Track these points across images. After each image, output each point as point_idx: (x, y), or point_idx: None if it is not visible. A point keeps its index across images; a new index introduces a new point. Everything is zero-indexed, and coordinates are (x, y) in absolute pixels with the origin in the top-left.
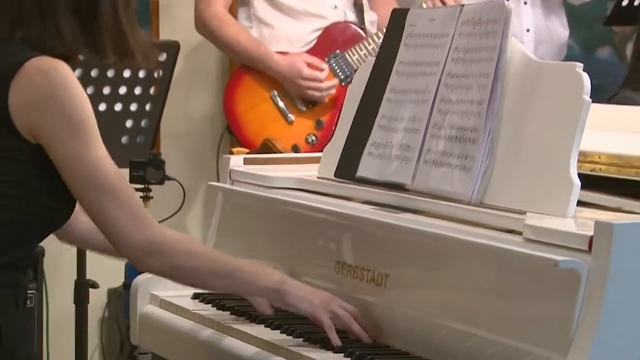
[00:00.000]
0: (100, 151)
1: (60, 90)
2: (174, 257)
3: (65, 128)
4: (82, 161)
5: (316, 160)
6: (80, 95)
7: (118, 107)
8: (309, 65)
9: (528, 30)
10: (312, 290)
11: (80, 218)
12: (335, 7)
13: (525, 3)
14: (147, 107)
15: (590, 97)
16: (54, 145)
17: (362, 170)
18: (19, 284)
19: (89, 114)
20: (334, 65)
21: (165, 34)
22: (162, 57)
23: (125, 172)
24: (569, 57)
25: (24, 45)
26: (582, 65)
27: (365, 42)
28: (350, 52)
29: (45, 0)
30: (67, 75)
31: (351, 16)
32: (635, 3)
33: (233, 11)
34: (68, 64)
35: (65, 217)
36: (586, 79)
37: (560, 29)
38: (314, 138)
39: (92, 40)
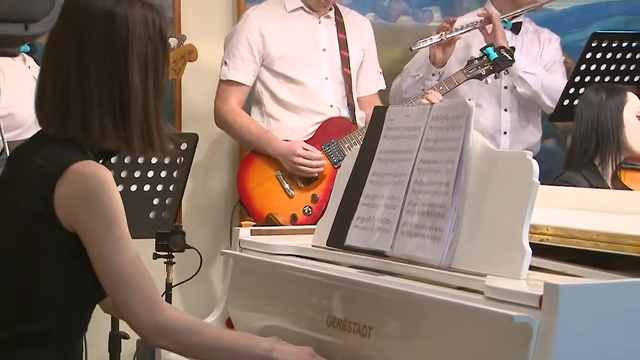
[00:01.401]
0: (126, 247)
1: (98, 192)
2: (179, 336)
3: (99, 224)
4: (110, 255)
5: (311, 231)
6: (115, 197)
7: (147, 187)
8: (304, 148)
9: (505, 133)
10: (297, 351)
11: None
12: (331, 105)
13: (505, 110)
14: (171, 187)
15: (539, 180)
16: (87, 237)
17: (350, 240)
18: (73, 348)
19: (121, 214)
20: (328, 151)
21: (186, 126)
22: (184, 146)
23: (152, 242)
24: None
25: (70, 146)
26: (532, 153)
27: (355, 134)
28: (342, 141)
29: (88, 98)
30: (106, 180)
31: (345, 113)
32: (575, 103)
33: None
34: (111, 158)
35: (96, 296)
36: (535, 165)
37: (534, 133)
38: (309, 209)
39: (124, 134)
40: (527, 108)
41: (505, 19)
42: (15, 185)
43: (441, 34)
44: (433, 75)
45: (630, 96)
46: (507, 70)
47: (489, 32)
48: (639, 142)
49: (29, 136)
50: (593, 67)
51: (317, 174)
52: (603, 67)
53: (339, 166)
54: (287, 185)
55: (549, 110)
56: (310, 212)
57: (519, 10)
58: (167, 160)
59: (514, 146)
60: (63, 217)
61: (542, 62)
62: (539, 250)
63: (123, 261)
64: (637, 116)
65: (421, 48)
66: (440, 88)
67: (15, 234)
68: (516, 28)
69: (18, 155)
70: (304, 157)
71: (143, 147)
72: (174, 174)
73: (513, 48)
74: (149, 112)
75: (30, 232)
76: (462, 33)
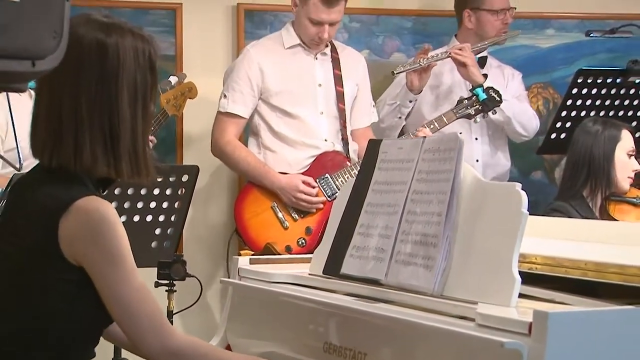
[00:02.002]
0: (133, 278)
1: (102, 228)
2: (187, 358)
3: (104, 259)
4: (117, 287)
5: (307, 260)
6: (119, 231)
7: (149, 218)
8: (304, 182)
9: (477, 161)
10: None
11: None
12: (326, 139)
13: (477, 139)
14: (173, 218)
15: (527, 210)
16: (94, 272)
17: (345, 268)
18: None
19: (125, 246)
20: (323, 184)
21: (188, 159)
22: (185, 177)
23: (154, 270)
24: (510, 179)
25: (73, 182)
26: (520, 185)
27: (348, 168)
28: (336, 175)
29: (80, 125)
30: (109, 214)
31: (338, 147)
32: (561, 137)
33: (242, 140)
34: (109, 186)
35: (106, 323)
36: (524, 196)
37: (503, 161)
38: (303, 241)
39: (113, 160)
40: (496, 136)
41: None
42: (19, 223)
43: (418, 60)
44: (410, 102)
45: (625, 134)
46: (495, 111)
47: (461, 64)
48: (626, 180)
49: None
50: (579, 102)
51: (314, 209)
52: (589, 102)
53: (333, 199)
54: (282, 217)
55: (519, 137)
56: (304, 244)
57: (482, 44)
58: (168, 192)
59: (486, 173)
60: (68, 252)
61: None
62: (528, 278)
63: (130, 292)
64: (628, 154)
65: (401, 72)
66: (432, 127)
67: (23, 272)
68: (481, 62)
69: (20, 191)
70: (305, 193)
71: (131, 173)
72: (176, 205)
73: (485, 75)
74: (137, 138)
75: (37, 269)
76: (437, 60)
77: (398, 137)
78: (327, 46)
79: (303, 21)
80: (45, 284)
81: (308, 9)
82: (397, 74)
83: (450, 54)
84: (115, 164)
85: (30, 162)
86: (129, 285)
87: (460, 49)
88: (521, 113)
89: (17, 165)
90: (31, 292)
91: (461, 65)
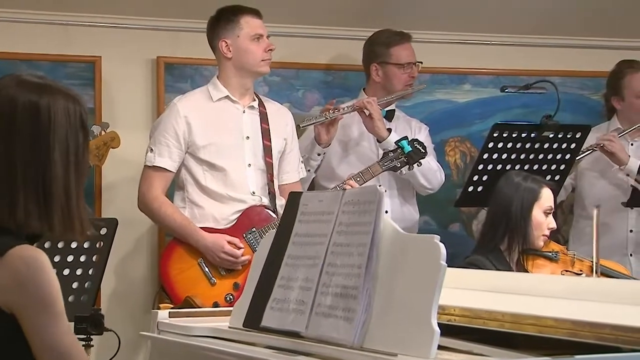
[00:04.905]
0: (63, 323)
1: (35, 275)
2: None
3: (38, 306)
4: (48, 333)
5: (228, 313)
6: (52, 279)
7: (66, 272)
8: (230, 242)
9: (387, 212)
10: None
11: None
12: (254, 192)
13: (386, 191)
14: (90, 271)
15: (445, 262)
16: (25, 318)
17: (266, 321)
18: None
19: (57, 293)
20: (250, 239)
21: (106, 210)
22: (104, 230)
23: (71, 324)
24: (428, 232)
25: (5, 234)
26: (439, 237)
27: (275, 223)
28: (263, 230)
29: (14, 183)
30: (43, 262)
31: (265, 201)
32: (478, 190)
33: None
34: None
35: None
36: (442, 248)
37: (413, 213)
38: (231, 297)
39: (46, 217)
40: (404, 189)
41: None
42: None
43: (325, 114)
44: (318, 155)
45: (544, 192)
46: (420, 163)
47: (367, 116)
48: (541, 238)
49: None
50: (495, 156)
51: (240, 267)
52: (505, 155)
53: None
54: (209, 273)
55: (424, 190)
56: (232, 300)
57: (389, 97)
58: (86, 245)
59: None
60: (1, 300)
61: None
62: (447, 330)
63: (61, 337)
64: (545, 212)
65: (308, 125)
66: (358, 179)
67: None
68: (389, 115)
69: None
70: (229, 254)
71: (63, 230)
72: (93, 258)
73: (389, 130)
74: (70, 196)
75: None
76: (343, 114)
77: (308, 189)
78: (254, 100)
79: (246, 47)
80: None
81: (244, 31)
82: (303, 127)
83: (356, 107)
84: (48, 220)
85: None
86: (59, 330)
87: (368, 102)
88: (424, 166)
89: None
90: None
91: (367, 118)
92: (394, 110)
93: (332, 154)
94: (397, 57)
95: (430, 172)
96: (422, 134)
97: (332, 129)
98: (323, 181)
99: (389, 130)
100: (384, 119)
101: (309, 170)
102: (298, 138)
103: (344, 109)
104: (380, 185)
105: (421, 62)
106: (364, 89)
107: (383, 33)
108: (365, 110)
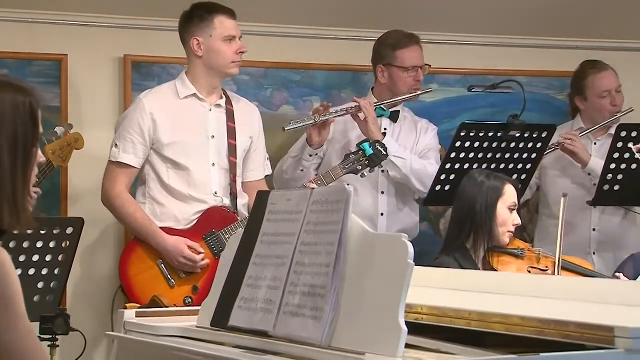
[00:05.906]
0: (24, 323)
1: None
2: None
3: None
4: (8, 333)
5: (195, 312)
6: (13, 277)
7: (31, 271)
8: (190, 247)
9: (382, 214)
10: None
11: None
12: (216, 192)
13: (382, 192)
14: (56, 271)
15: (413, 261)
16: None
17: (233, 320)
18: None
19: (18, 291)
20: (209, 241)
21: (73, 211)
22: (69, 230)
23: (36, 324)
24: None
25: None
26: (406, 235)
27: (236, 224)
28: (223, 232)
29: None
30: (4, 262)
31: (227, 201)
32: (446, 188)
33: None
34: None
35: None
36: (410, 247)
37: (411, 215)
38: (190, 300)
39: None
40: (403, 191)
41: (382, 107)
42: None
43: (314, 117)
44: (310, 156)
45: (507, 188)
46: (381, 165)
47: (362, 119)
48: (506, 234)
49: None
50: (462, 155)
51: (199, 270)
52: (471, 154)
53: (219, 257)
54: (168, 275)
55: (420, 193)
56: (190, 302)
57: (394, 99)
58: (52, 244)
59: (391, 227)
60: None
61: (417, 149)
62: (414, 328)
63: (21, 337)
64: (510, 208)
65: (293, 128)
66: (319, 182)
67: None
68: (394, 116)
69: None
70: (188, 259)
71: (11, 222)
72: (59, 258)
73: (384, 134)
74: (17, 188)
75: None
76: (334, 116)
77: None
78: (221, 97)
79: (217, 48)
80: None
81: (217, 31)
82: (287, 129)
83: (349, 110)
84: None
85: None
86: (19, 329)
87: (363, 105)
88: (420, 170)
89: None
90: None
91: (361, 121)
92: (399, 111)
93: (333, 154)
94: (401, 60)
95: (424, 175)
96: (429, 135)
97: (324, 131)
98: None
99: (383, 134)
100: (389, 119)
101: (301, 170)
102: (277, 137)
103: (336, 111)
104: (348, 184)
105: (429, 65)
106: (372, 89)
107: (391, 34)
108: (359, 114)
